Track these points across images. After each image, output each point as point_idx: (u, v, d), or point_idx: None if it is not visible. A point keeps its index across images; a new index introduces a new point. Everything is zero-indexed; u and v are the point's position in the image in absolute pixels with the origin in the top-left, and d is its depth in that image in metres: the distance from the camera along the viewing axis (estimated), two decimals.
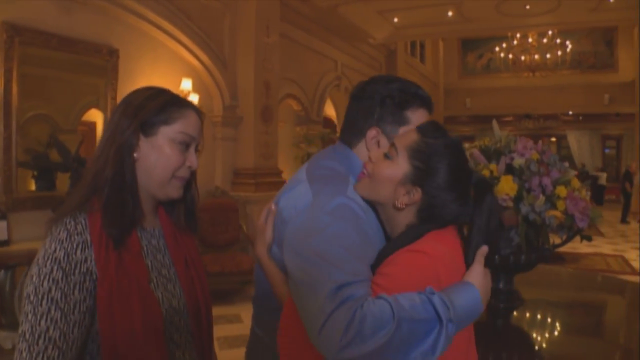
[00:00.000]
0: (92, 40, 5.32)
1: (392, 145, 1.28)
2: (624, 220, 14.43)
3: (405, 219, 1.26)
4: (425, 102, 1.46)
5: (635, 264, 8.56)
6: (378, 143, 1.42)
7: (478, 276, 1.19)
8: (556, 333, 2.35)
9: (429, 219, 1.24)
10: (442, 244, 1.20)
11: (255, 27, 7.20)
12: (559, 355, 2.09)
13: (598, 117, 19.21)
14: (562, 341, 2.27)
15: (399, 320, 1.03)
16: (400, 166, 1.25)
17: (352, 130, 1.48)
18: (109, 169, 1.26)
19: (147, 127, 1.30)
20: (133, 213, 1.28)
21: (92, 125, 5.65)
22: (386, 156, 1.28)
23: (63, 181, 4.94)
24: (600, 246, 10.35)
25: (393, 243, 1.23)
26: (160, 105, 1.31)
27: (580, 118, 19.37)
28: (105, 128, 1.34)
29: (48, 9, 4.90)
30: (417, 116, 1.43)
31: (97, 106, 5.53)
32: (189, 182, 1.41)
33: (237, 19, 7.23)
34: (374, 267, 1.19)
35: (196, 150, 1.38)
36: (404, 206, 1.24)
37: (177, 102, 1.35)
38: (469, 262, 1.21)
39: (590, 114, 19.04)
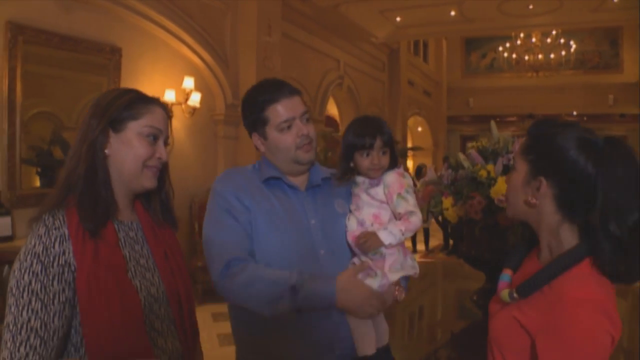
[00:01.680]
0: (95, 39, 5.36)
1: (513, 157, 1.35)
2: None
3: (550, 218, 1.24)
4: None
5: None
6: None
7: (347, 279, 1.53)
8: None
9: (571, 207, 1.20)
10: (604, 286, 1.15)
11: (257, 26, 7.23)
12: None
13: (602, 118, 19.12)
14: None
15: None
16: (520, 169, 1.28)
17: None
18: (82, 166, 1.33)
19: (116, 124, 1.37)
20: (107, 205, 1.34)
21: None
22: (511, 170, 1.34)
23: None
24: None
25: (545, 271, 1.19)
26: (127, 102, 1.39)
27: (584, 119, 19.29)
28: (78, 129, 1.40)
29: (50, 8, 4.94)
30: None
31: None
32: (163, 179, 1.49)
33: (238, 18, 7.26)
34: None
35: (165, 144, 1.46)
36: (536, 201, 1.24)
37: (143, 99, 1.43)
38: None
39: (594, 115, 18.95)
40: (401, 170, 1.74)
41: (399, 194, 1.67)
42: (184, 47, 6.49)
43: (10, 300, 1.21)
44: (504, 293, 1.25)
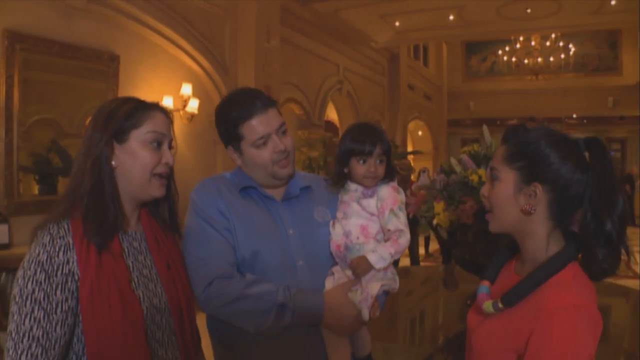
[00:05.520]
0: (93, 46, 5.40)
1: (490, 168, 1.29)
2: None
3: (542, 226, 1.23)
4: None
5: (636, 268, 8.54)
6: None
7: (336, 297, 1.56)
8: None
9: (561, 212, 1.21)
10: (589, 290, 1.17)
11: (256, 32, 7.26)
12: None
13: (602, 120, 19.13)
14: None
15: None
16: (507, 178, 1.24)
17: None
18: (87, 181, 1.33)
19: (119, 135, 1.37)
20: (115, 219, 1.34)
21: None
22: (492, 180, 1.28)
23: (64, 185, 4.99)
24: None
25: (529, 279, 1.18)
26: (127, 111, 1.38)
27: (585, 121, 19.30)
28: (81, 143, 1.40)
29: (49, 16, 4.97)
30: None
31: None
32: (169, 185, 1.48)
33: (237, 24, 7.29)
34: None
35: (170, 148, 1.46)
36: (533, 209, 1.21)
37: (143, 106, 1.42)
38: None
39: (594, 117, 18.97)
40: (396, 185, 1.71)
41: (392, 210, 1.63)
42: (182, 53, 6.52)
43: (14, 308, 1.21)
44: (487, 305, 1.24)
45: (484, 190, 1.30)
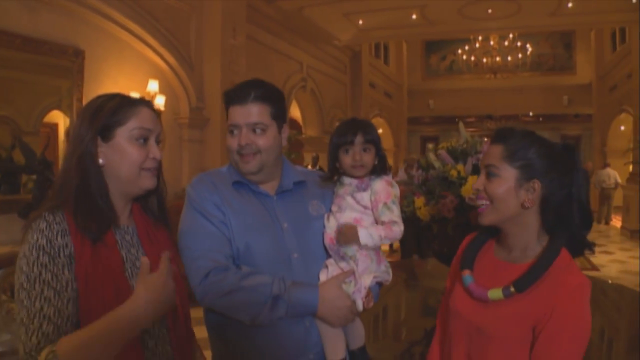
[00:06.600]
0: (58, 41, 5.28)
1: (487, 166, 1.41)
2: None
3: (535, 218, 1.39)
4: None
5: (594, 260, 8.83)
6: None
7: (330, 289, 1.59)
8: None
9: (551, 202, 1.37)
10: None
11: (222, 28, 7.22)
12: None
13: (557, 118, 19.66)
14: None
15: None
16: (508, 175, 1.38)
17: None
18: (74, 179, 1.33)
19: (105, 133, 1.37)
20: (106, 216, 1.34)
21: (54, 127, 5.58)
22: (490, 176, 1.40)
23: (27, 185, 4.87)
24: None
25: (540, 265, 1.33)
26: (112, 109, 1.38)
27: (540, 119, 19.80)
28: (68, 141, 1.40)
29: (12, 9, 4.84)
30: None
31: (59, 108, 5.48)
32: (157, 177, 1.48)
33: (203, 21, 7.24)
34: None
35: (158, 142, 1.45)
36: (532, 204, 1.36)
37: (128, 102, 1.41)
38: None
39: (549, 115, 19.48)
40: (390, 179, 1.75)
41: (385, 204, 1.67)
42: (148, 49, 6.43)
43: (22, 295, 1.20)
44: (495, 292, 1.36)
45: (479, 185, 1.42)
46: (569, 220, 1.37)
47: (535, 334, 1.29)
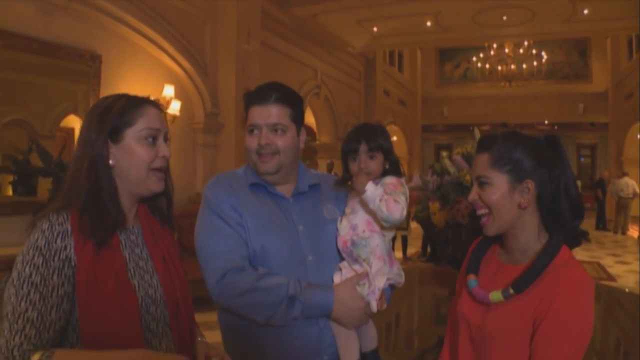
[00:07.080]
0: (75, 45, 5.32)
1: (478, 177, 1.42)
2: (597, 227, 14.70)
3: (533, 217, 1.41)
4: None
5: (611, 271, 8.74)
6: None
7: (345, 290, 1.60)
8: None
9: (544, 197, 1.39)
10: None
11: (237, 34, 7.24)
12: None
13: (573, 127, 19.55)
14: None
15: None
16: (500, 182, 1.39)
17: None
18: (84, 182, 1.34)
19: (114, 135, 1.37)
20: (115, 218, 1.35)
21: (70, 132, 5.64)
22: (482, 186, 1.41)
23: (43, 187, 4.90)
24: (576, 253, 10.45)
25: (537, 265, 1.35)
26: (120, 110, 1.38)
27: (556, 127, 19.69)
28: (77, 143, 1.41)
29: (30, 13, 4.89)
30: None
31: (75, 112, 5.51)
32: (165, 178, 1.49)
33: (217, 26, 7.26)
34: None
35: (165, 140, 1.46)
36: (529, 203, 1.38)
37: (135, 103, 1.42)
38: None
39: (565, 123, 19.36)
40: (402, 180, 1.75)
41: (394, 192, 1.67)
42: (164, 55, 6.47)
43: (11, 291, 1.23)
44: (496, 295, 1.37)
45: (473, 195, 1.45)
46: (560, 213, 1.39)
47: (535, 327, 1.31)
